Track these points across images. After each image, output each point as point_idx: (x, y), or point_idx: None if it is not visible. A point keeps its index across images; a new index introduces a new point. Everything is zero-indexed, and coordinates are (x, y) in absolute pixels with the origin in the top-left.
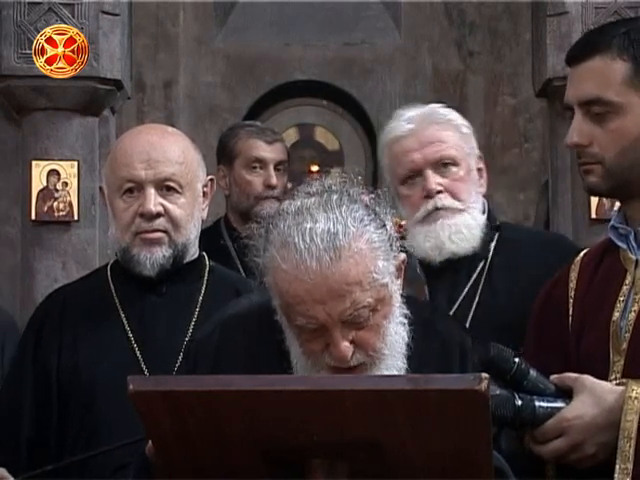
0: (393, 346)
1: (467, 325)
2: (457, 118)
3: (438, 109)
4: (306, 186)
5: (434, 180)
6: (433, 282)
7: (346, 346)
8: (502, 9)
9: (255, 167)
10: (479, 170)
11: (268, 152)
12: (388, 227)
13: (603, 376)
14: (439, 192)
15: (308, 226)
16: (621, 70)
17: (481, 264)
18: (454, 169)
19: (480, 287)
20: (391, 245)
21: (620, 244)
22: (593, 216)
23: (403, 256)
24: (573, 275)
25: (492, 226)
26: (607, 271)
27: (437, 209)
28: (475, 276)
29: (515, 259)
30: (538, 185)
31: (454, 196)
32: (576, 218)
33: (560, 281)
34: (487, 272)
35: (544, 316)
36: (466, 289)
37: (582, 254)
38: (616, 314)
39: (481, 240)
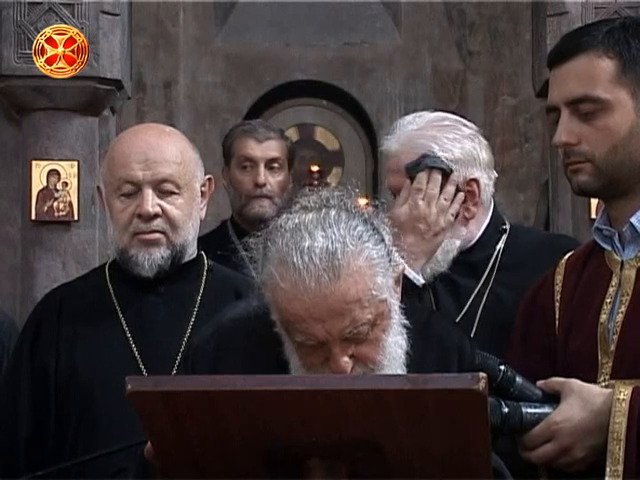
0: (392, 357)
1: (474, 328)
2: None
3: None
4: (303, 199)
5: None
6: (439, 285)
7: (345, 361)
8: (502, 9)
9: (245, 166)
10: (468, 193)
11: (258, 151)
12: (387, 240)
13: (591, 378)
14: None
15: (306, 245)
16: (608, 67)
17: (488, 267)
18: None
19: (487, 290)
20: (390, 259)
21: (605, 246)
22: (593, 216)
23: (402, 267)
24: (559, 278)
25: (499, 229)
26: (593, 273)
27: None
28: (483, 279)
29: (522, 262)
30: (538, 185)
31: None
32: (576, 218)
33: (545, 284)
34: (494, 275)
35: (530, 319)
36: (474, 293)
37: (567, 256)
38: (603, 316)
39: (486, 243)
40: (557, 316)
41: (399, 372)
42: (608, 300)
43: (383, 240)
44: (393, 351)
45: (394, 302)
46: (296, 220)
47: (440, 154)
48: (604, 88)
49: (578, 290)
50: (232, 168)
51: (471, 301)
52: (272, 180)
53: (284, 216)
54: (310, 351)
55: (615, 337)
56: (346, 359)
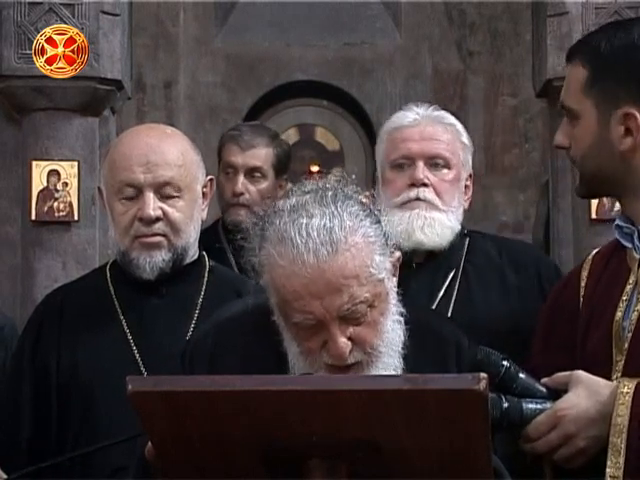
0: (390, 343)
1: None
2: (462, 129)
3: (446, 114)
4: (301, 186)
5: (423, 172)
6: (409, 286)
7: (344, 342)
8: (502, 9)
9: (228, 172)
10: (466, 187)
11: (239, 158)
12: (383, 224)
13: (606, 375)
14: (425, 185)
15: (304, 221)
16: (581, 76)
17: (453, 271)
18: (445, 171)
19: (455, 293)
20: (386, 241)
21: (625, 243)
22: (593, 216)
23: (398, 254)
24: (584, 274)
25: (464, 232)
26: (614, 270)
27: (418, 199)
28: (448, 283)
29: (484, 267)
30: (538, 185)
31: (438, 194)
32: (576, 218)
33: (571, 280)
34: (460, 278)
35: (555, 316)
36: (440, 293)
37: (593, 253)
38: (619, 313)
39: (452, 246)
40: (580, 313)
41: (396, 361)
42: (624, 298)
43: (379, 222)
44: (390, 337)
45: (391, 286)
46: (293, 201)
47: (460, 129)
48: (574, 98)
49: (599, 287)
50: (219, 172)
51: (439, 300)
52: (252, 189)
53: (282, 200)
54: (308, 335)
55: (629, 335)
56: (344, 340)
